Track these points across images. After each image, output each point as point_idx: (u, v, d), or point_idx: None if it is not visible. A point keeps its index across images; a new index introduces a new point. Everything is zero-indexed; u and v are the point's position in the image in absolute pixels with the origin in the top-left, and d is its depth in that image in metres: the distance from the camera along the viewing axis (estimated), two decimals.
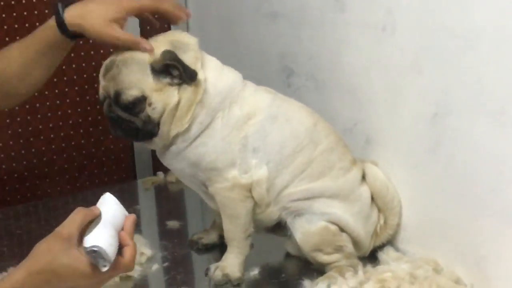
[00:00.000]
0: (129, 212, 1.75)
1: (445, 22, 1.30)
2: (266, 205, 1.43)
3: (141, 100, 1.35)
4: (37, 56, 1.45)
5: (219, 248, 1.56)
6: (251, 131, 1.39)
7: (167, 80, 1.35)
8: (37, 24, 1.99)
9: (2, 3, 1.96)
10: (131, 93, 1.35)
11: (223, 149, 1.38)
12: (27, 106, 2.04)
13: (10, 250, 1.66)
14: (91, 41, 1.58)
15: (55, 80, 2.06)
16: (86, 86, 2.08)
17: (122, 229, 1.15)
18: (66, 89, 2.07)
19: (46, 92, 2.06)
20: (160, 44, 1.37)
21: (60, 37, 1.42)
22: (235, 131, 1.39)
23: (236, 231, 1.43)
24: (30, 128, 2.04)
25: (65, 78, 2.07)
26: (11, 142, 2.03)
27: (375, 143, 1.54)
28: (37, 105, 2.06)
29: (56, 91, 2.07)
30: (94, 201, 1.84)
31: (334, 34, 1.59)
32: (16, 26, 1.99)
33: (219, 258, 1.48)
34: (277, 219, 1.45)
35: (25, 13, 1.99)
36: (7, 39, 1.96)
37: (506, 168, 1.25)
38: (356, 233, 1.45)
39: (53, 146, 2.09)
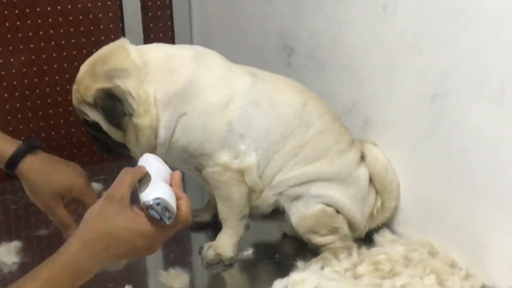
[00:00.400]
0: None
1: (446, 2, 1.27)
2: (261, 191, 1.41)
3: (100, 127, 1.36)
4: None
5: (215, 227, 1.55)
6: (234, 117, 1.36)
7: None
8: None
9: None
10: (90, 119, 1.36)
11: (205, 137, 1.36)
12: (25, 81, 2.03)
13: (7, 225, 1.65)
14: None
15: (54, 55, 2.05)
16: None
17: (170, 184, 1.09)
18: (65, 65, 2.06)
19: (45, 67, 2.05)
20: (98, 78, 1.33)
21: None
22: (214, 118, 1.35)
23: (230, 212, 1.41)
24: (28, 103, 2.04)
25: (64, 53, 2.06)
26: (9, 117, 2.03)
27: (373, 124, 1.52)
28: (36, 80, 2.05)
29: (55, 66, 2.06)
30: (92, 177, 1.85)
31: (335, 12, 1.56)
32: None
33: (214, 237, 1.46)
34: (274, 205, 1.43)
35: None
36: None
37: (504, 151, 1.23)
38: (351, 215, 1.43)
39: (52, 122, 2.08)
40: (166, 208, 1.01)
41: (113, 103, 1.31)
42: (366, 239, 1.47)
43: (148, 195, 1.03)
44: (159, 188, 1.04)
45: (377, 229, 1.48)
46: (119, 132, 1.36)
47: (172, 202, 1.03)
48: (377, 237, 1.45)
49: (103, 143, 1.41)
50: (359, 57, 1.52)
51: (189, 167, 1.43)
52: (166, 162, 1.35)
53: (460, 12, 1.25)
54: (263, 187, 1.40)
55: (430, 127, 1.37)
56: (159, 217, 1.02)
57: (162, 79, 1.34)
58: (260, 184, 1.39)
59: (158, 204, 1.01)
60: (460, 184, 1.33)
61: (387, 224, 1.50)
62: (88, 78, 1.34)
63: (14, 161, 1.28)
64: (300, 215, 1.40)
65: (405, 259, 1.33)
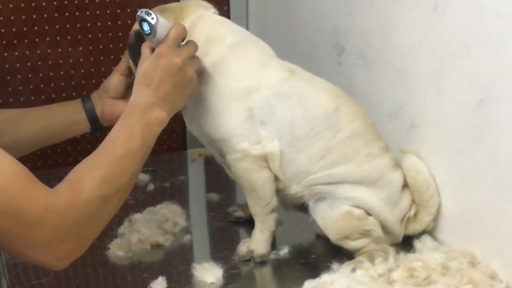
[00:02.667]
0: (174, 182, 1.76)
1: (496, 3, 1.23)
2: (285, 185, 1.39)
3: None
4: (51, 139, 1.45)
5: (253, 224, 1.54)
6: (256, 104, 1.34)
7: None
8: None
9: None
10: None
11: (222, 121, 1.34)
12: (82, 71, 2.07)
13: None
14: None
15: (111, 46, 2.08)
16: None
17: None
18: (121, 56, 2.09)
19: (102, 58, 2.08)
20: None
21: (88, 129, 1.46)
22: (233, 103, 1.34)
23: (257, 205, 1.39)
24: (84, 93, 2.07)
25: (120, 45, 2.09)
26: None
27: (420, 127, 1.48)
28: (92, 70, 2.08)
29: (112, 57, 2.09)
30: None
31: (386, 11, 1.53)
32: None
33: None
34: (301, 198, 1.40)
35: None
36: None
37: None
38: (383, 217, 1.38)
39: None
40: (149, 13, 1.24)
41: (137, 41, 1.33)
42: (406, 245, 1.43)
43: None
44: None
45: (418, 236, 1.44)
46: None
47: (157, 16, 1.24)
48: (418, 244, 1.41)
49: None
50: (408, 58, 1.48)
51: (214, 150, 1.43)
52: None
53: (510, 15, 1.20)
54: (289, 185, 1.38)
55: (475, 133, 1.32)
56: (148, 30, 1.24)
57: None
58: (281, 175, 1.37)
59: (143, 12, 1.25)
60: (505, 193, 1.28)
61: (429, 231, 1.46)
62: None
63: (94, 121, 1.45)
64: (325, 215, 1.37)
65: (442, 268, 1.29)
